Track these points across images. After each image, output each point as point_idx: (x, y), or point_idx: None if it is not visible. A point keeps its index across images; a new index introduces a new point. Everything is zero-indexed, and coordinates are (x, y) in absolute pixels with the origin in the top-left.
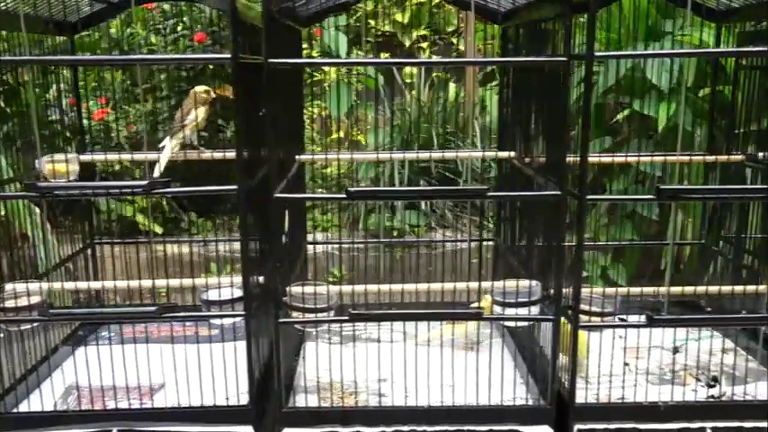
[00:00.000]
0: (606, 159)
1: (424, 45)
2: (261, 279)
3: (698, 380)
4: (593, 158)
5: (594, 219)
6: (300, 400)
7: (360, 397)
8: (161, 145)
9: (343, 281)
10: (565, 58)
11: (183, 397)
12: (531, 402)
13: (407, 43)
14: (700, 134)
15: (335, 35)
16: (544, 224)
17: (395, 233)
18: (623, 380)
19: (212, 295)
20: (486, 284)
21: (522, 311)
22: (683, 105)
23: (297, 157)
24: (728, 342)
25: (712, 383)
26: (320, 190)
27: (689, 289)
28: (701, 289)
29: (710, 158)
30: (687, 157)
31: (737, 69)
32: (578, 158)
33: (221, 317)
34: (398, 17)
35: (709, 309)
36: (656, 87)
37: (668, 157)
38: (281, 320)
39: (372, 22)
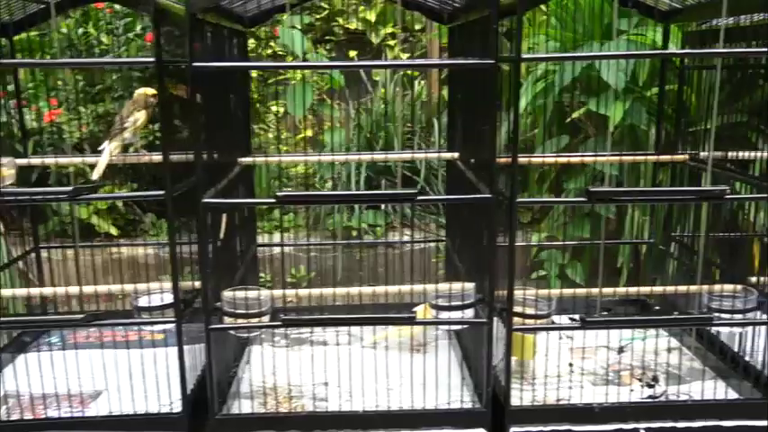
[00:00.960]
0: (536, 160)
1: (392, 43)
2: (197, 284)
3: (639, 380)
4: (534, 159)
5: (553, 218)
6: (239, 407)
7: (299, 402)
8: (100, 148)
9: (303, 281)
10: (492, 61)
11: (120, 404)
12: (468, 405)
13: (376, 41)
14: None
15: (291, 34)
16: (476, 226)
17: (354, 233)
18: (569, 381)
19: (145, 301)
20: (424, 287)
21: (458, 314)
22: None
23: (240, 159)
24: (675, 341)
25: (652, 383)
26: (288, 189)
27: (620, 290)
28: (644, 289)
29: (652, 158)
30: (628, 157)
31: (684, 69)
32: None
33: (150, 323)
34: (367, 15)
35: (657, 308)
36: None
37: (599, 158)
38: (212, 327)
39: (340, 20)
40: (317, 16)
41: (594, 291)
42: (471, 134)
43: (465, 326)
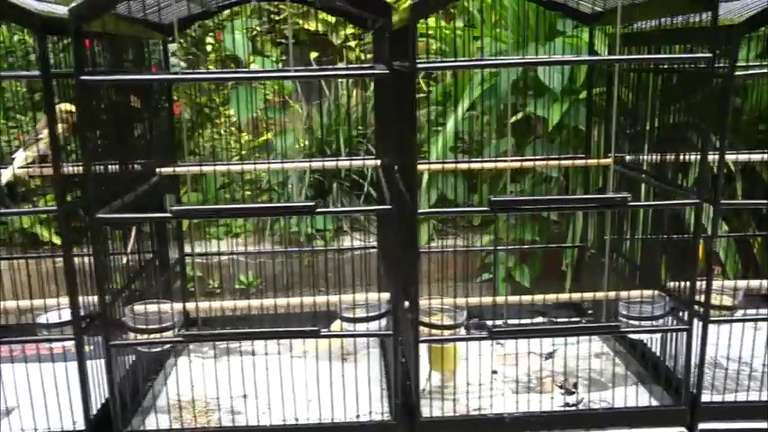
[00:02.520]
0: (436, 167)
1: (353, 44)
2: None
3: (560, 387)
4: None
5: (502, 219)
6: (147, 422)
7: (215, 415)
8: (12, 156)
9: (250, 288)
10: (387, 71)
11: (32, 420)
12: (377, 418)
13: (337, 42)
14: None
15: (235, 39)
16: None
17: (301, 238)
18: (491, 389)
19: (49, 317)
20: (339, 297)
21: (372, 325)
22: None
23: (158, 169)
24: (606, 347)
25: (572, 391)
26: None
27: (538, 297)
28: (563, 296)
29: (580, 162)
30: (563, 161)
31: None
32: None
33: (50, 341)
34: (327, 16)
35: (590, 312)
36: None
37: (512, 163)
38: (112, 343)
39: (301, 22)
40: (277, 18)
41: (500, 299)
42: (389, 140)
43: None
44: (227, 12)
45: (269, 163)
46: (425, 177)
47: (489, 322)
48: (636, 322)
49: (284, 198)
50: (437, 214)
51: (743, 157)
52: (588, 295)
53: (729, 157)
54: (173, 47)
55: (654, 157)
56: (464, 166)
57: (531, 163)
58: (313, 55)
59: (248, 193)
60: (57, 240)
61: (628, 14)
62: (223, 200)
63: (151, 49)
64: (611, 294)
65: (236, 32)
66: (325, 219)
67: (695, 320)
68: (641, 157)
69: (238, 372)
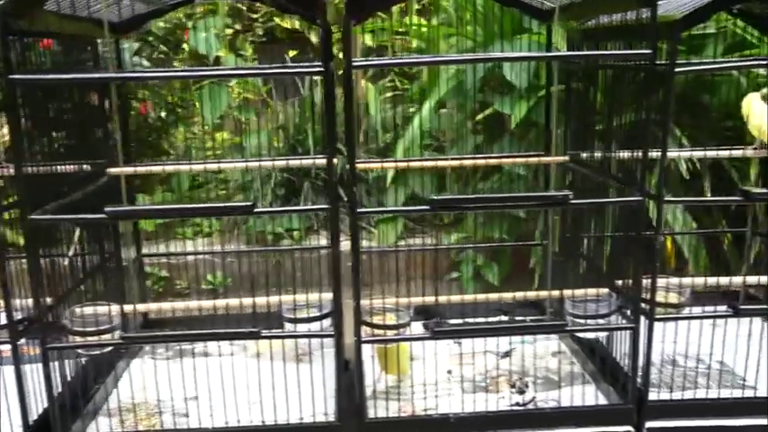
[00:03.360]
0: (374, 165)
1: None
2: (49, 301)
3: (512, 386)
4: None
5: (471, 217)
6: (97, 426)
7: (161, 418)
8: None
9: (219, 288)
10: (321, 69)
11: None
12: (321, 419)
13: (315, 39)
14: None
15: (202, 37)
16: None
17: (270, 237)
18: (445, 389)
19: None
20: (279, 299)
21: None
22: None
23: (108, 170)
24: (564, 345)
25: (523, 390)
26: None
27: (468, 297)
28: (519, 294)
29: (534, 159)
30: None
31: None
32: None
33: None
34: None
35: (551, 310)
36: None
37: (465, 161)
38: (48, 346)
39: (278, 20)
40: (255, 15)
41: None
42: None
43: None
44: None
45: (211, 162)
46: (390, 175)
47: (452, 321)
48: (582, 321)
49: (252, 197)
50: (375, 213)
51: (710, 153)
52: (531, 294)
53: (696, 154)
54: (135, 46)
55: (602, 154)
56: (429, 164)
57: (497, 160)
58: (292, 53)
59: (223, 192)
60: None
61: (577, 11)
62: (197, 199)
63: (104, 49)
64: (559, 293)
65: (201, 32)
66: (292, 218)
67: (641, 318)
68: (595, 154)
69: (190, 373)
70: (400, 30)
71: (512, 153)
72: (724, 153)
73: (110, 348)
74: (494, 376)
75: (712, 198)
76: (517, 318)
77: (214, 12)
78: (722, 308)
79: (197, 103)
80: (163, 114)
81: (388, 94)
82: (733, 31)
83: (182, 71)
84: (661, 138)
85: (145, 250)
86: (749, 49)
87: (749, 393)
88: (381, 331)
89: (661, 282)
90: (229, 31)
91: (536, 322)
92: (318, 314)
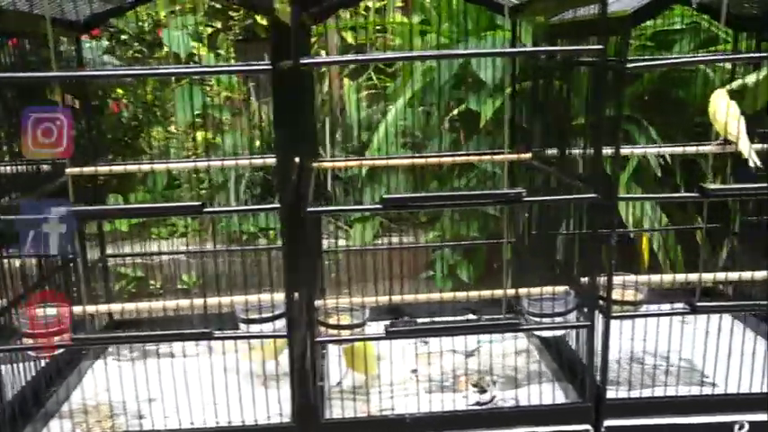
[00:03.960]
0: (339, 164)
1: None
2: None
3: (474, 386)
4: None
5: (447, 216)
6: (54, 428)
7: (118, 420)
8: None
9: (193, 288)
10: (268, 67)
11: None
12: (275, 420)
13: None
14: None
15: (175, 36)
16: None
17: (245, 237)
18: (407, 389)
19: None
20: (231, 300)
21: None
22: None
23: (67, 170)
24: (532, 344)
25: (485, 389)
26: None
27: (461, 294)
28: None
29: (499, 157)
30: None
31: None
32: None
33: None
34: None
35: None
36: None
37: (416, 160)
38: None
39: (258, 18)
40: (235, 15)
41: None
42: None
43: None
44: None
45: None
46: (363, 173)
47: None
48: (538, 319)
49: (227, 197)
50: (328, 212)
51: (677, 149)
52: (486, 293)
53: (662, 150)
54: (104, 44)
55: (558, 151)
56: (401, 162)
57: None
58: None
59: (205, 192)
60: None
61: (538, 7)
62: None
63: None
64: (515, 291)
65: (175, 30)
66: (269, 217)
67: (598, 316)
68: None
69: (153, 375)
70: (378, 27)
71: (483, 151)
72: (690, 149)
73: (61, 351)
74: (458, 375)
75: (666, 195)
76: (485, 317)
77: (194, 10)
78: (679, 305)
79: (171, 103)
80: (134, 113)
81: (365, 92)
82: (707, 28)
83: (119, 70)
84: (616, 134)
85: (117, 250)
86: (721, 45)
87: (709, 390)
88: (336, 331)
89: (617, 279)
90: (209, 29)
91: (492, 321)
92: (271, 315)
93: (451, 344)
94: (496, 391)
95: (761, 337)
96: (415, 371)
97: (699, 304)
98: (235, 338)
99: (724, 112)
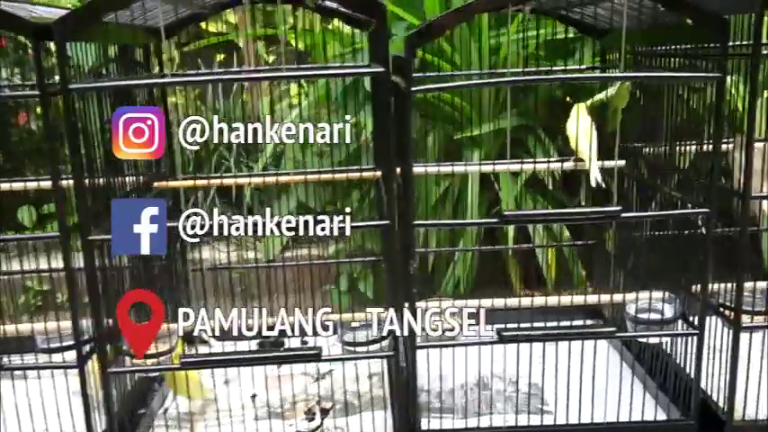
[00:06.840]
0: (174, 184)
1: (260, 45)
2: None
3: (306, 413)
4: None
5: None
6: None
7: None
8: None
9: None
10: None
11: None
12: None
13: (242, 44)
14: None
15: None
16: None
17: None
18: (239, 415)
19: None
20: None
21: None
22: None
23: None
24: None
25: (312, 417)
26: None
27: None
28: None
29: (354, 175)
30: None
31: None
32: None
33: None
34: (230, 17)
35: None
36: None
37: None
38: None
39: (203, 25)
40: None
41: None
42: None
43: None
44: None
45: None
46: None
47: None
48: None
49: None
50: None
51: (540, 165)
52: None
53: (523, 167)
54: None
55: None
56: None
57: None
58: (219, 57)
59: None
60: None
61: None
62: None
63: None
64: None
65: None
66: None
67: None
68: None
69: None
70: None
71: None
72: (555, 165)
73: None
74: (297, 401)
75: (457, 222)
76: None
77: None
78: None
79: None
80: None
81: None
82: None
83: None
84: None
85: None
86: None
87: (546, 419)
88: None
89: (433, 305)
90: None
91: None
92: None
93: (304, 367)
94: (328, 420)
95: None
96: (254, 395)
97: (505, 334)
98: (23, 369)
99: (574, 128)
